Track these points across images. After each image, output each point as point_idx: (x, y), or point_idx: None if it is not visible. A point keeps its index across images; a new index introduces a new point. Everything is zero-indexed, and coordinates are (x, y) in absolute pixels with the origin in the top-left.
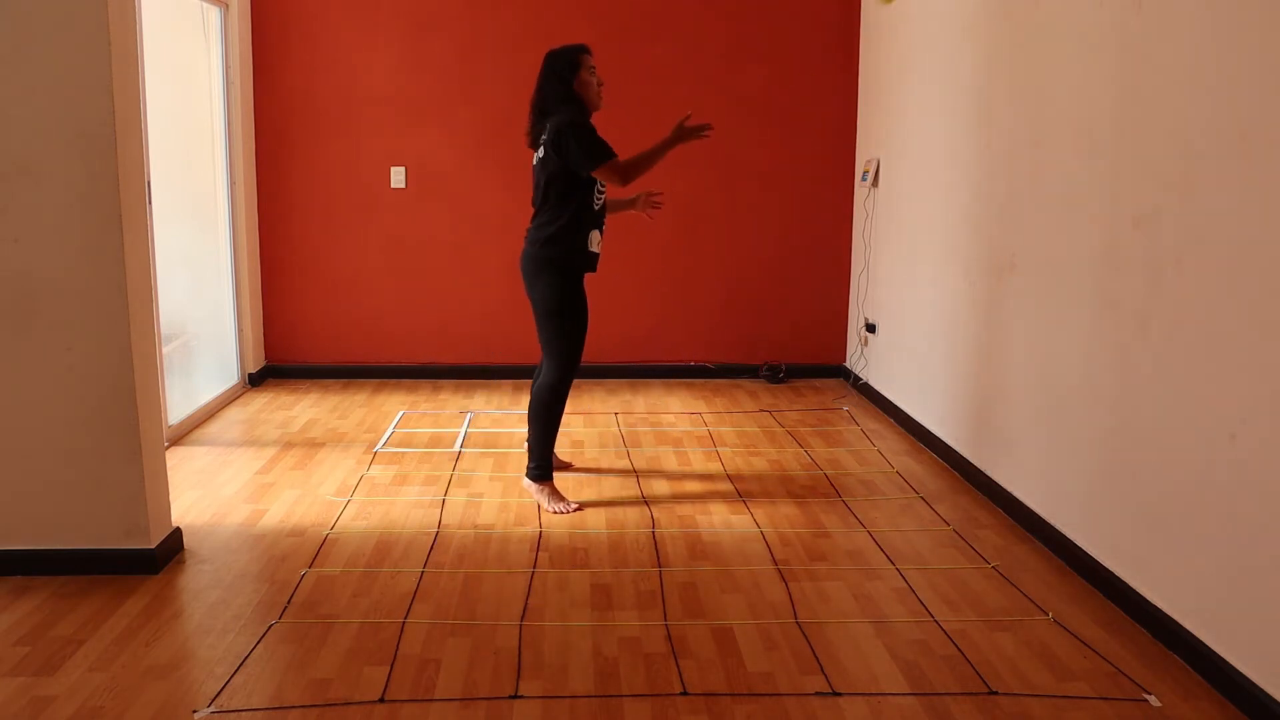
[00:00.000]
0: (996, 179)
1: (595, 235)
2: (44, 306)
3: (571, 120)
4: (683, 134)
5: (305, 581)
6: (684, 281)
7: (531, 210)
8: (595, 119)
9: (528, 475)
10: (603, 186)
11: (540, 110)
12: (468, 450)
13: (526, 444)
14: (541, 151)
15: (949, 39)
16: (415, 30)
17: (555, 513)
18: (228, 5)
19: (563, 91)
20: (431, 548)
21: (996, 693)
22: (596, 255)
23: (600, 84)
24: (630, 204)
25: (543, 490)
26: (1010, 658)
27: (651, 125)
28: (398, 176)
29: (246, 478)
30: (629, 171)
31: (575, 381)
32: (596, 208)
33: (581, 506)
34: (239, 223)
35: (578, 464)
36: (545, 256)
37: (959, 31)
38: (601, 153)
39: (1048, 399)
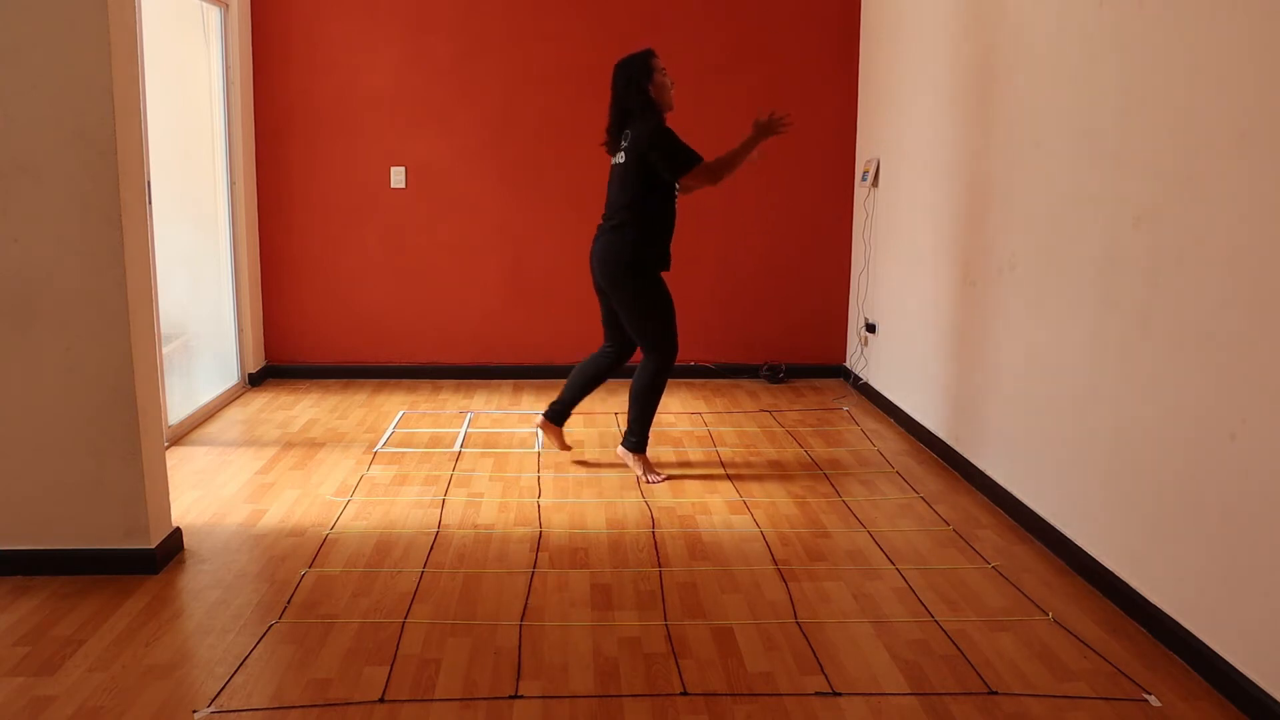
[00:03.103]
0: (997, 179)
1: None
2: (44, 306)
3: (655, 129)
4: (762, 130)
5: (305, 581)
6: (683, 281)
7: (599, 212)
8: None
9: (624, 445)
10: (679, 187)
11: (620, 118)
12: (468, 450)
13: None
14: (623, 157)
15: (949, 38)
16: (415, 31)
17: (650, 482)
18: (228, 5)
19: (641, 97)
20: (431, 548)
21: (996, 693)
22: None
23: (672, 84)
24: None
25: (638, 461)
26: (1010, 658)
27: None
28: (397, 177)
29: (246, 478)
30: (717, 173)
31: None
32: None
33: (670, 478)
34: (239, 223)
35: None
36: (629, 260)
37: (959, 31)
38: (689, 159)
39: (1048, 399)
